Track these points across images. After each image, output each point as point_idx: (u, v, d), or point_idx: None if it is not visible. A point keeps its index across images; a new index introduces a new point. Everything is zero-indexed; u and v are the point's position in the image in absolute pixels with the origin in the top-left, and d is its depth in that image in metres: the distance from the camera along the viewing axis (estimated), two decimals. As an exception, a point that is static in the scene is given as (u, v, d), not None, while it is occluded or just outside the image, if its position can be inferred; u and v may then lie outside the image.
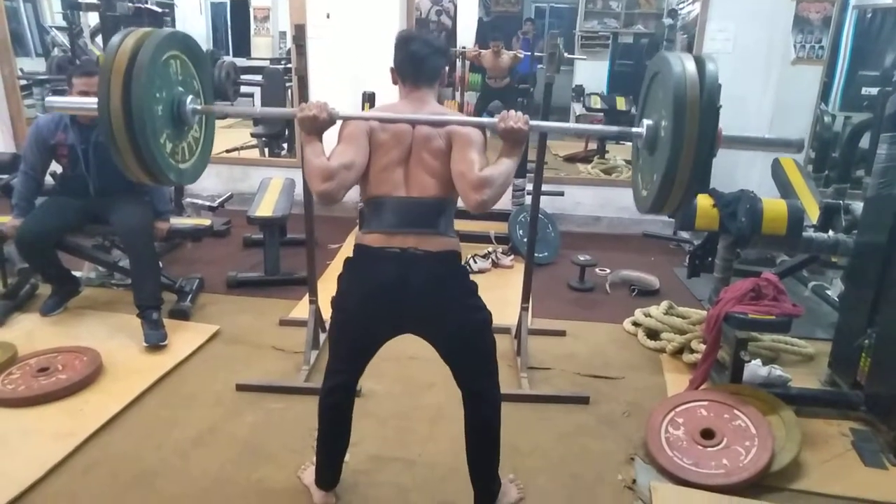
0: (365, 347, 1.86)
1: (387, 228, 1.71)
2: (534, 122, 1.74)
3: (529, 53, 6.72)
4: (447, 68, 1.90)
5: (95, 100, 1.65)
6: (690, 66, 1.55)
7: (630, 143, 6.82)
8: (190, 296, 3.41)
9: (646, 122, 1.71)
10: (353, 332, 1.83)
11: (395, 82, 1.86)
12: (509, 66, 6.87)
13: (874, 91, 4.53)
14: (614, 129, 1.90)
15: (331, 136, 1.75)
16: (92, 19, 6.87)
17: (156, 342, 2.91)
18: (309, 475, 2.08)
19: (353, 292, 1.77)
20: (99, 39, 6.68)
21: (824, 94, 4.92)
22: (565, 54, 6.63)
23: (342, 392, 1.91)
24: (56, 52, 6.71)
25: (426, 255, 1.69)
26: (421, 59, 1.78)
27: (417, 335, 1.83)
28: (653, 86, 1.75)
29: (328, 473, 2.00)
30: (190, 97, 1.83)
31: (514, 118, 1.69)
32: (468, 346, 1.81)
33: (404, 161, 1.74)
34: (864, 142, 4.25)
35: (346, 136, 1.72)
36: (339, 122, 1.78)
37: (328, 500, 2.00)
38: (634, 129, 1.75)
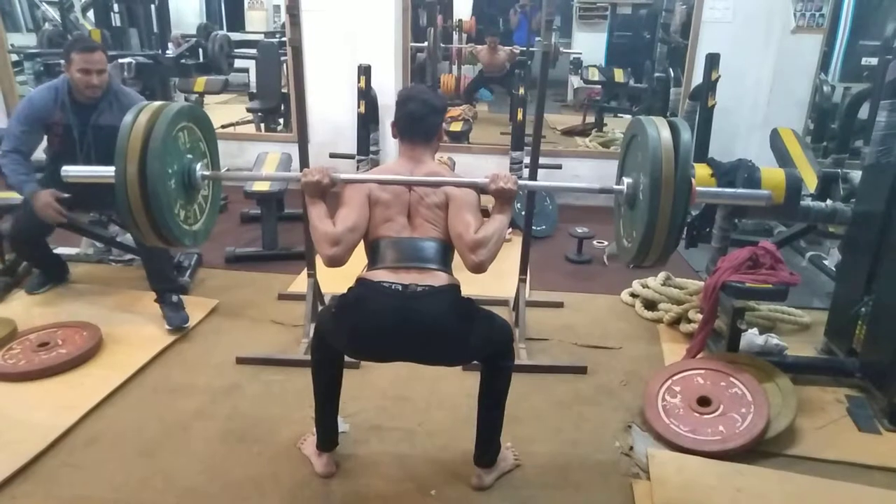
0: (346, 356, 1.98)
1: (390, 264, 1.79)
2: (522, 182, 1.87)
3: (525, 48, 6.62)
4: (444, 126, 2.02)
5: (112, 170, 1.69)
6: (665, 135, 1.64)
7: (628, 117, 6.78)
8: (189, 271, 3.41)
9: (626, 180, 1.81)
10: (339, 348, 1.92)
11: (394, 136, 1.96)
12: (505, 62, 6.81)
13: (874, 61, 4.49)
14: (596, 187, 2.00)
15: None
16: (83, -7, 6.78)
17: (179, 324, 2.85)
18: (309, 445, 2.12)
19: (349, 323, 1.79)
20: (90, 14, 6.61)
21: (824, 64, 4.88)
22: (560, 50, 6.56)
23: (331, 361, 1.99)
24: (47, 26, 6.63)
25: (428, 291, 1.74)
26: (418, 118, 1.89)
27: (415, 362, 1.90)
28: (631, 147, 1.85)
29: (327, 433, 2.05)
30: (199, 164, 1.88)
31: (505, 179, 1.79)
32: (475, 350, 1.88)
33: (404, 213, 1.84)
34: (863, 112, 4.23)
35: (347, 199, 1.83)
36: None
37: (329, 468, 2.04)
38: (616, 187, 1.86)
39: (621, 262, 1.93)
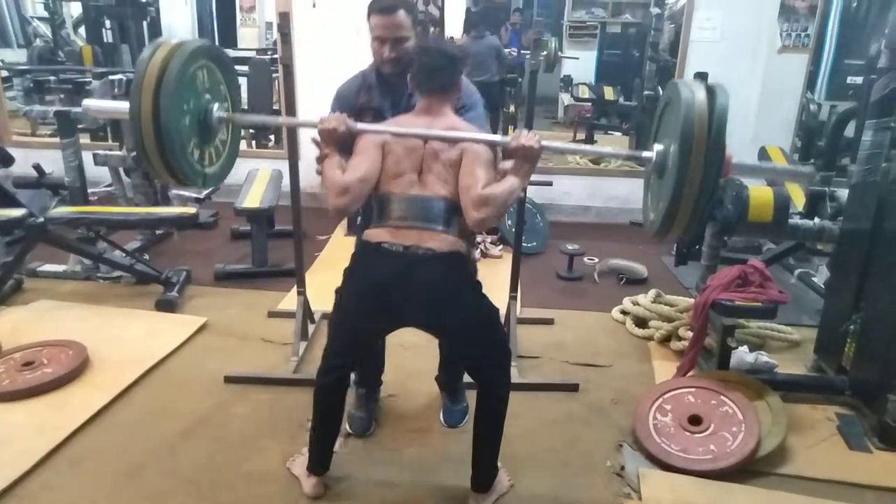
0: (362, 342, 1.92)
1: (392, 222, 1.75)
2: (545, 143, 1.76)
3: (518, 32, 6.68)
4: (461, 80, 1.93)
5: (127, 105, 1.69)
6: (700, 97, 1.55)
7: (618, 134, 6.82)
8: (177, 286, 3.38)
9: (656, 146, 1.72)
10: (349, 327, 1.88)
11: (412, 91, 1.91)
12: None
13: (859, 80, 4.54)
14: (625, 152, 1.93)
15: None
16: (74, 9, 6.79)
17: None
18: (299, 465, 2.09)
19: (353, 289, 1.82)
20: (82, 30, 6.61)
21: (810, 83, 4.94)
22: (559, 54, 6.61)
23: (337, 385, 1.95)
24: (38, 42, 6.62)
25: (429, 255, 1.70)
26: (436, 69, 1.82)
27: (421, 329, 1.88)
28: (665, 113, 1.77)
29: (320, 458, 2.02)
30: (216, 105, 1.86)
31: (527, 137, 1.71)
32: (475, 337, 1.85)
33: (416, 168, 1.79)
34: (850, 130, 4.27)
35: (360, 149, 1.78)
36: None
37: (318, 489, 2.01)
38: (645, 154, 1.76)
39: (650, 233, 1.80)
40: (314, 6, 4.64)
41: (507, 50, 6.79)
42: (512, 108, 4.50)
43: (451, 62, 1.84)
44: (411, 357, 2.69)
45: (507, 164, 1.77)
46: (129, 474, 2.10)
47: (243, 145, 6.16)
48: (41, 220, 3.20)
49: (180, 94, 1.69)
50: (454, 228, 1.78)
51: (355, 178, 1.71)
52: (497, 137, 1.78)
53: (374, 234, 1.76)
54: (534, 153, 1.72)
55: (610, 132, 7.14)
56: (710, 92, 1.56)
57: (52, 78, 4.79)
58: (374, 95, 2.19)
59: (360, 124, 1.81)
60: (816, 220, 2.97)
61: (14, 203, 3.48)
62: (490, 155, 1.77)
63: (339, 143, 1.77)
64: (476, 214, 1.66)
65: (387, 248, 1.72)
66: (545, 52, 6.84)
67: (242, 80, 6.96)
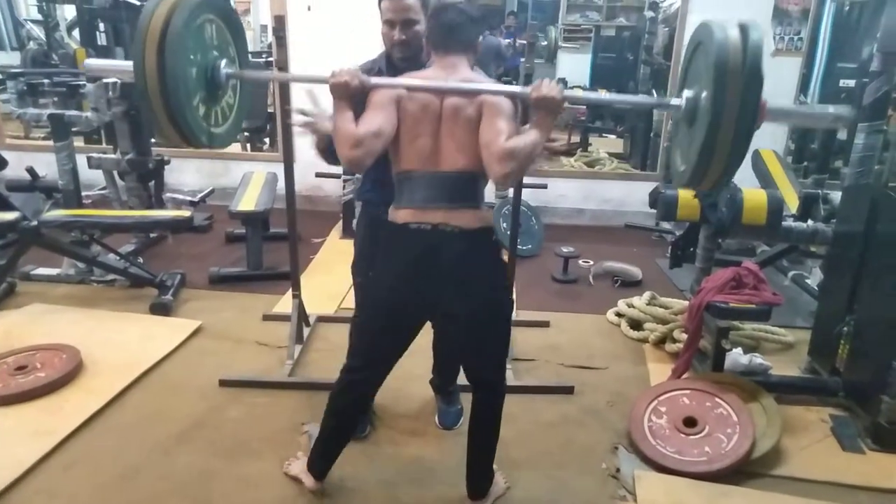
0: (393, 336, 1.84)
1: (417, 204, 1.71)
2: (568, 93, 1.66)
3: (513, 35, 6.70)
4: (481, 39, 1.84)
5: (129, 63, 1.66)
6: (734, 34, 1.47)
7: (613, 137, 6.83)
8: (171, 290, 3.37)
9: (685, 93, 1.64)
10: (382, 314, 1.81)
11: (427, 55, 1.83)
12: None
13: (852, 83, 4.58)
14: (652, 100, 1.81)
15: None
16: (68, 12, 6.77)
17: None
18: (297, 466, 2.08)
19: (385, 270, 1.78)
20: (76, 33, 6.59)
21: (803, 86, 4.97)
22: (559, 44, 6.61)
23: (359, 392, 1.92)
24: (31, 45, 6.60)
25: (457, 233, 1.68)
26: (453, 26, 1.74)
27: (445, 314, 1.80)
28: (694, 57, 1.67)
29: (325, 464, 2.00)
30: (224, 61, 1.82)
31: (548, 87, 1.61)
32: (488, 326, 1.81)
33: (434, 132, 1.70)
34: (842, 133, 4.30)
35: (374, 103, 1.69)
36: None
37: (320, 485, 2.01)
38: (673, 101, 1.68)
39: (678, 184, 1.72)
40: (309, 9, 4.64)
41: (506, 41, 6.79)
42: (520, 127, 4.49)
43: (472, 20, 1.78)
44: (405, 360, 2.68)
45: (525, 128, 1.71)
46: (124, 478, 2.09)
47: (238, 148, 6.17)
48: (34, 223, 3.19)
49: (186, 41, 1.66)
50: (479, 202, 1.74)
51: (369, 131, 1.62)
52: (517, 88, 1.69)
53: (401, 216, 1.72)
54: (556, 103, 1.61)
55: (605, 135, 7.17)
56: (743, 29, 1.48)
57: (45, 81, 4.76)
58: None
59: (374, 78, 1.72)
60: (810, 222, 2.98)
61: (7, 206, 3.46)
62: (511, 107, 1.69)
63: (352, 99, 1.67)
64: (500, 169, 1.59)
65: (414, 228, 1.69)
66: (545, 42, 6.85)
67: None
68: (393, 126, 1.68)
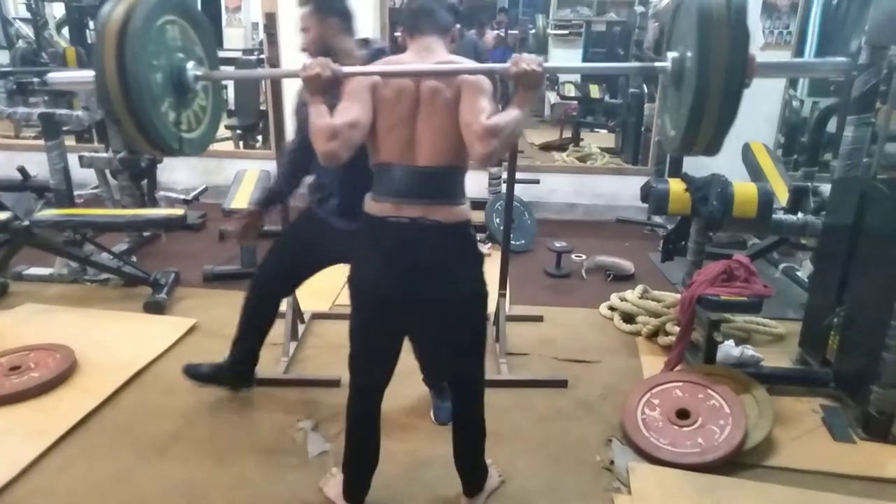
0: (385, 334, 1.82)
1: (395, 198, 1.67)
2: (548, 65, 1.62)
3: (504, 31, 6.69)
4: (457, 27, 1.81)
5: (92, 73, 1.59)
6: None
7: (604, 132, 6.84)
8: (165, 288, 3.37)
9: (670, 54, 1.59)
10: (372, 309, 1.77)
11: (403, 42, 1.78)
12: (492, 48, 6.83)
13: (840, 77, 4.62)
14: (636, 65, 1.73)
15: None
16: (57, 10, 6.73)
17: None
18: (332, 487, 2.01)
19: (368, 264, 1.75)
20: (65, 31, 6.54)
21: (792, 80, 5.00)
22: (549, 32, 6.61)
23: (372, 395, 1.87)
24: (20, 44, 6.55)
25: (435, 226, 1.66)
26: (428, 10, 1.72)
27: (425, 307, 1.77)
28: (677, 17, 1.64)
29: (357, 489, 1.92)
30: (192, 63, 1.75)
31: (528, 60, 1.56)
32: (464, 319, 1.81)
33: (411, 119, 1.65)
34: (831, 126, 4.33)
35: (349, 92, 1.64)
36: None
37: None
38: (658, 64, 1.63)
39: (668, 150, 1.63)
40: (300, 5, 4.62)
41: (493, 32, 6.77)
42: (499, 107, 4.50)
43: (445, 6, 1.76)
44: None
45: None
46: (118, 478, 2.09)
47: (230, 146, 6.15)
48: (26, 223, 3.18)
49: (147, 45, 1.58)
50: (459, 198, 1.71)
51: (345, 122, 1.57)
52: (496, 66, 1.65)
53: (378, 209, 1.69)
54: (536, 77, 1.57)
55: (596, 130, 7.19)
56: None
57: (35, 80, 4.74)
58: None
59: (346, 67, 1.66)
60: (800, 215, 3.01)
61: (-2, 206, 3.45)
62: (490, 85, 1.64)
63: (326, 91, 1.62)
64: (482, 149, 1.54)
65: (393, 222, 1.66)
66: (534, 30, 6.82)
67: (230, 83, 6.93)
68: (369, 115, 1.63)
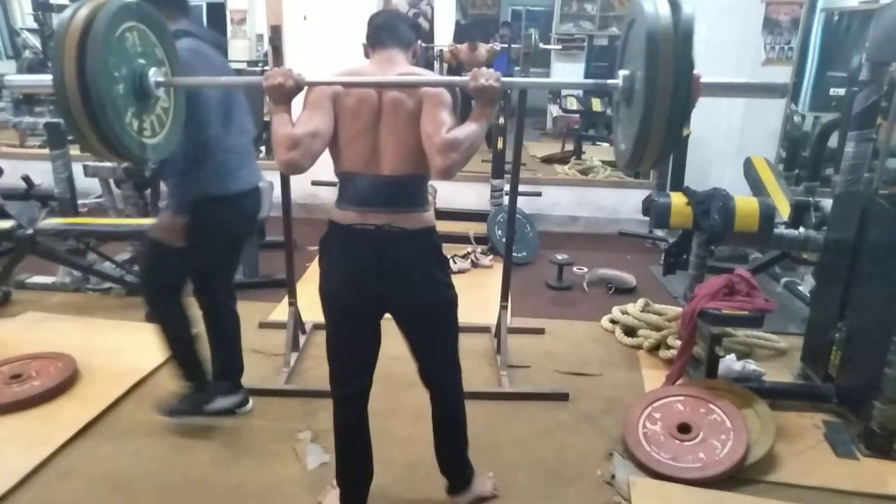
0: (360, 334, 1.83)
1: (360, 206, 1.69)
2: (506, 80, 1.64)
3: (507, 46, 6.72)
4: (420, 43, 1.88)
5: (50, 77, 1.54)
6: (665, 11, 1.44)
7: (606, 145, 6.87)
8: (167, 300, 3.36)
9: (622, 72, 1.62)
10: (343, 315, 1.80)
11: (366, 55, 1.82)
12: (486, 60, 6.86)
13: (842, 91, 4.63)
14: (590, 81, 1.80)
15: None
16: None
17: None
18: (332, 499, 2.00)
19: (335, 272, 1.77)
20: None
21: (794, 95, 5.02)
22: (541, 45, 6.67)
23: (353, 403, 1.87)
24: (27, 53, 6.60)
25: (400, 233, 1.68)
26: (391, 25, 1.78)
27: (393, 312, 1.82)
28: (630, 34, 1.66)
29: (354, 502, 1.93)
30: (153, 70, 1.71)
31: (486, 75, 1.60)
32: (434, 323, 1.83)
33: (373, 128, 1.67)
34: (833, 141, 4.35)
35: (311, 102, 1.67)
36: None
37: None
38: (611, 81, 1.68)
39: (619, 166, 1.69)
40: (305, 19, 4.67)
41: (487, 46, 6.81)
42: (502, 120, 4.53)
43: (405, 22, 1.84)
44: (400, 367, 2.69)
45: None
46: (118, 488, 2.09)
47: (233, 157, 6.11)
48: (30, 231, 3.19)
49: (108, 59, 1.53)
50: (423, 205, 1.74)
51: (306, 132, 1.60)
52: (456, 79, 1.71)
53: (344, 217, 1.72)
54: (494, 92, 1.61)
55: (598, 143, 7.20)
56: (674, 4, 1.46)
57: (41, 90, 4.77)
58: None
59: (308, 78, 1.67)
60: (801, 229, 3.01)
61: (3, 215, 3.46)
62: (450, 98, 1.67)
63: (289, 99, 1.65)
64: (442, 162, 1.57)
65: (358, 229, 1.69)
66: (528, 46, 6.89)
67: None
68: (330, 124, 1.65)
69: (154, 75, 1.71)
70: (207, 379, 2.41)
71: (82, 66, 1.49)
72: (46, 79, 1.59)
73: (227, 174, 2.17)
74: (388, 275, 1.70)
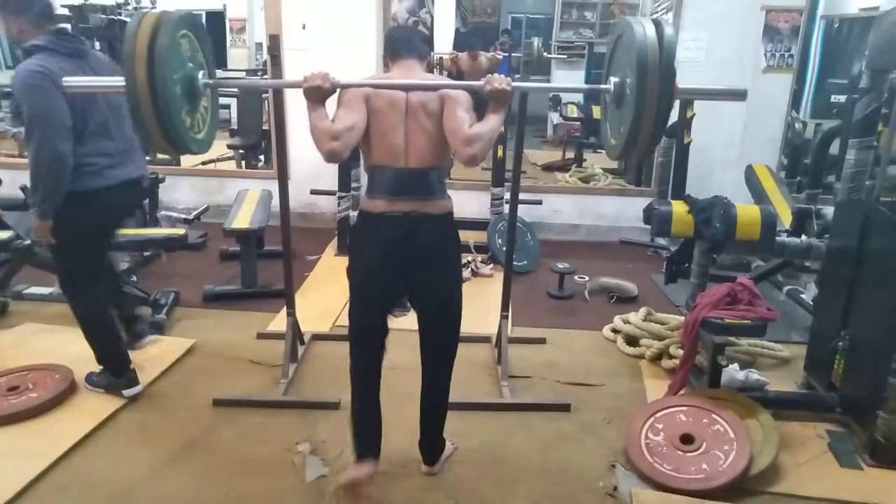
0: (381, 300, 2.03)
1: (389, 196, 1.90)
2: (516, 84, 1.92)
3: (507, 54, 6.74)
4: (431, 55, 2.12)
5: (122, 79, 1.73)
6: (651, 31, 1.73)
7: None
8: (165, 308, 3.36)
9: (612, 79, 1.90)
10: (368, 288, 2.01)
11: (386, 66, 2.06)
12: (486, 69, 6.88)
13: (843, 98, 4.63)
14: (585, 86, 2.15)
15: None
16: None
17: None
18: (351, 470, 2.09)
19: (364, 251, 1.98)
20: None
21: (795, 102, 5.01)
22: (544, 54, 6.72)
23: (371, 336, 2.04)
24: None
25: (427, 217, 1.91)
26: (408, 39, 2.07)
27: (413, 292, 2.02)
28: (618, 47, 1.93)
29: (368, 443, 2.07)
30: (201, 72, 1.93)
31: (499, 80, 1.86)
32: (445, 310, 2.05)
33: (401, 126, 1.90)
34: (835, 148, 4.33)
35: (346, 101, 1.89)
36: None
37: (368, 468, 2.04)
38: (603, 87, 1.97)
39: (611, 156, 2.08)
40: (304, 27, 4.67)
41: (488, 54, 6.85)
42: (502, 128, 4.52)
43: (421, 39, 2.11)
44: (401, 378, 2.67)
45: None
46: (117, 499, 2.07)
47: (232, 166, 6.17)
48: (27, 242, 3.18)
49: (172, 64, 1.75)
50: (443, 194, 1.97)
51: (344, 126, 1.82)
52: (472, 84, 1.93)
53: (374, 206, 1.92)
54: (506, 94, 1.87)
55: (599, 150, 7.19)
56: (658, 25, 1.75)
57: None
58: None
59: (342, 80, 1.90)
60: (803, 237, 3.00)
61: (0, 225, 3.45)
62: (468, 99, 1.92)
63: (324, 100, 1.87)
64: (468, 151, 1.82)
65: (388, 215, 1.89)
66: (523, 55, 6.97)
67: (232, 102, 6.97)
68: (364, 121, 1.88)
69: (202, 78, 1.93)
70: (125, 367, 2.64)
71: (151, 68, 1.69)
72: (112, 80, 1.82)
73: (96, 174, 2.38)
74: (415, 253, 1.91)
